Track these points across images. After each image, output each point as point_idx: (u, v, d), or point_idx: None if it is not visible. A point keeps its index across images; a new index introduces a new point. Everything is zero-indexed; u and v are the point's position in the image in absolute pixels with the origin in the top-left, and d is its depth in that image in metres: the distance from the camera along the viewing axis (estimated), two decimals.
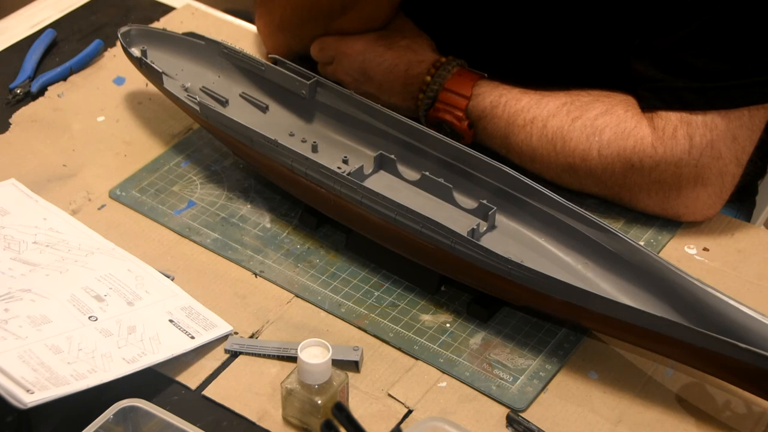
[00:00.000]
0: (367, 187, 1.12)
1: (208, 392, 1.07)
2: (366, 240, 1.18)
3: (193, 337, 1.10)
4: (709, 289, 1.04)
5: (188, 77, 1.29)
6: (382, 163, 1.21)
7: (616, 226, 1.23)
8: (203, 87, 1.28)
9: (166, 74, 1.26)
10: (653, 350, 1.07)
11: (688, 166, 1.18)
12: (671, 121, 1.18)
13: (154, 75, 1.27)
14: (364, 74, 1.33)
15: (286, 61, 1.26)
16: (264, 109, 1.27)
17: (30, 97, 1.40)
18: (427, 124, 1.29)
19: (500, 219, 1.16)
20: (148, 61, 1.26)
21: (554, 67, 1.32)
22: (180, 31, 1.32)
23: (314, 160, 1.14)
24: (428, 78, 1.29)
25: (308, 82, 1.23)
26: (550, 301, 1.06)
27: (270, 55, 1.30)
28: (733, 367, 1.00)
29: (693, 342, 1.00)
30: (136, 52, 1.28)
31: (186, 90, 1.28)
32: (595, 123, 1.21)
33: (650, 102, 1.20)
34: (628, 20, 1.23)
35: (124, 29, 1.30)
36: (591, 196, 1.26)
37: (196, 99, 1.23)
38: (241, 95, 1.28)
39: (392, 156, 1.19)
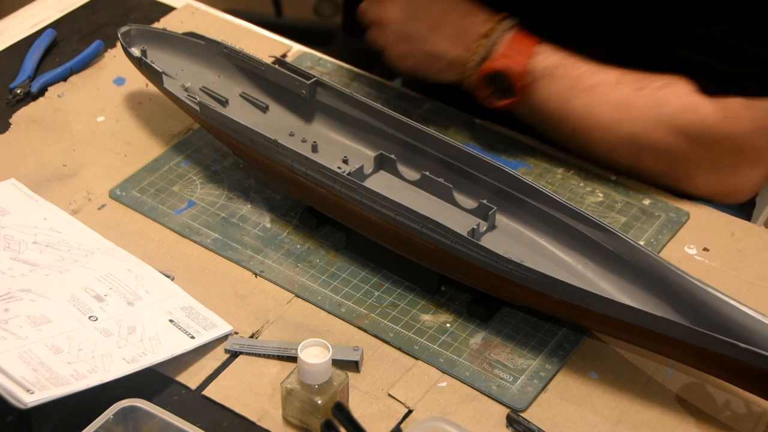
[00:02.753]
0: (367, 187, 1.12)
1: (208, 392, 1.07)
2: (366, 240, 1.18)
3: (193, 337, 1.10)
4: (710, 289, 1.04)
5: (188, 77, 1.29)
6: (382, 163, 1.21)
7: (615, 226, 1.23)
8: (203, 87, 1.28)
9: (165, 74, 1.26)
10: (654, 350, 1.07)
11: (749, 147, 1.20)
12: (735, 103, 1.19)
13: (153, 75, 1.27)
14: (415, 11, 1.29)
15: (287, 61, 1.26)
16: (264, 109, 1.27)
17: (30, 97, 1.40)
18: (470, 80, 1.26)
19: (500, 219, 1.16)
20: (147, 60, 1.26)
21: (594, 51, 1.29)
22: (180, 31, 1.32)
23: (314, 160, 1.14)
24: (488, 27, 1.25)
25: (308, 82, 1.23)
26: (550, 301, 1.06)
27: (270, 56, 1.30)
28: (733, 367, 1.00)
29: (693, 342, 1.00)
30: (136, 52, 1.28)
31: (186, 90, 1.28)
32: (659, 94, 1.21)
33: (710, 87, 1.20)
34: (670, 10, 1.23)
35: (124, 29, 1.30)
36: (592, 195, 1.26)
37: (196, 99, 1.23)
38: (241, 95, 1.28)
39: (392, 156, 1.20)
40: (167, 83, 1.26)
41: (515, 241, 1.14)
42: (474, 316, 1.14)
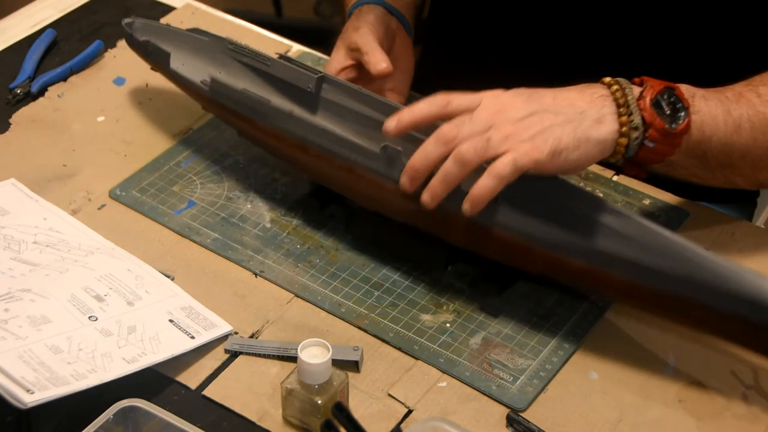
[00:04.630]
0: (390, 147, 1.10)
1: (208, 392, 1.07)
2: (371, 220, 1.16)
3: (193, 337, 1.10)
4: (731, 264, 1.03)
5: (190, 73, 1.29)
6: (388, 156, 1.20)
7: None
8: (203, 81, 1.28)
9: (172, 54, 1.25)
10: (675, 319, 1.06)
11: None
12: None
13: (160, 57, 1.26)
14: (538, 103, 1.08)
15: (292, 57, 1.26)
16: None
17: (30, 97, 1.40)
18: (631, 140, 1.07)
19: None
20: (154, 42, 1.25)
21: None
22: None
23: (329, 130, 1.13)
24: (614, 89, 1.07)
25: (315, 77, 1.22)
26: (569, 266, 1.05)
27: (276, 53, 1.30)
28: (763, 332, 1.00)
29: (722, 307, 1.00)
30: (142, 37, 1.27)
31: None
32: None
33: None
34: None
35: (127, 20, 1.30)
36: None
37: (206, 79, 1.23)
38: (243, 91, 1.28)
39: (399, 148, 1.18)
40: (174, 63, 1.25)
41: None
42: (482, 293, 1.13)
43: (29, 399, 0.98)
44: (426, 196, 1.07)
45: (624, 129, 1.05)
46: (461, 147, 1.04)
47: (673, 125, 1.06)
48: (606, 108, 1.05)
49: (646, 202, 1.27)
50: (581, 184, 1.29)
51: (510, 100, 1.06)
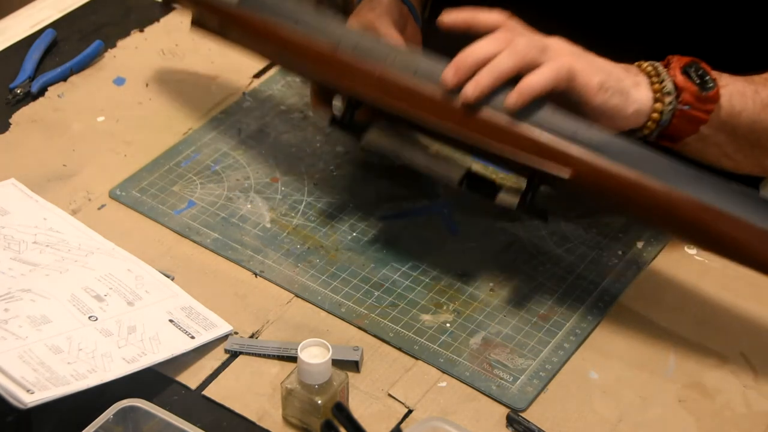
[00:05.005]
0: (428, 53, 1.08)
1: (208, 392, 1.07)
2: (389, 131, 1.14)
3: (193, 337, 1.10)
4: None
5: None
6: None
7: (615, 226, 1.24)
8: None
9: None
10: (709, 245, 1.07)
11: None
12: None
13: None
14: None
15: None
16: None
17: (30, 97, 1.40)
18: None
19: None
20: None
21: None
22: (180, 31, 1.32)
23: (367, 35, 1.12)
24: (646, 65, 1.10)
25: None
26: (608, 175, 1.03)
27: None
28: None
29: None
30: None
31: None
32: None
33: None
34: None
35: None
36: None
37: None
38: None
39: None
40: None
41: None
42: (535, 215, 1.11)
43: (29, 399, 0.98)
44: (470, 88, 1.05)
45: (657, 95, 1.07)
46: (518, 41, 1.05)
47: (704, 91, 1.09)
48: (640, 76, 1.08)
49: None
50: None
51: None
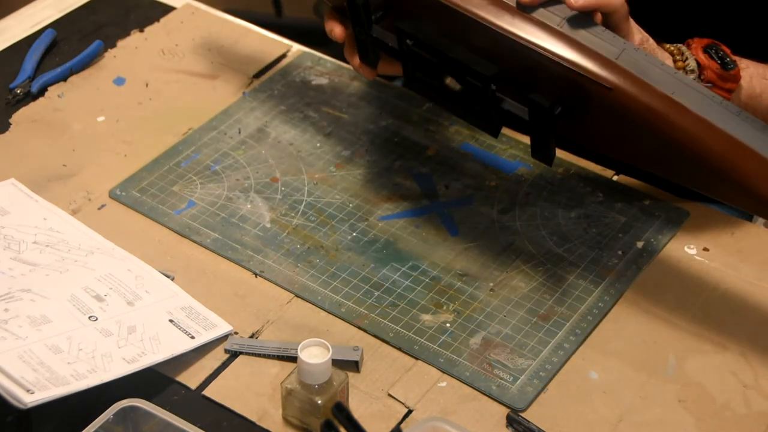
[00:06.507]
0: None
1: (208, 392, 1.07)
2: (428, 85, 1.12)
3: (193, 337, 1.10)
4: None
5: None
6: None
7: (615, 226, 1.24)
8: None
9: None
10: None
11: None
12: None
13: None
14: None
15: None
16: None
17: (30, 97, 1.40)
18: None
19: None
20: None
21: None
22: (180, 31, 1.32)
23: None
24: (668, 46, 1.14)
25: None
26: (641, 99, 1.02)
27: None
28: None
29: None
30: None
31: None
32: None
33: None
34: None
35: None
36: (592, 195, 1.26)
37: None
38: None
39: None
40: None
41: None
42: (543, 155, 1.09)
43: (29, 399, 0.98)
44: None
45: (681, 73, 1.08)
46: None
47: (726, 70, 1.13)
48: (665, 54, 1.12)
49: (647, 202, 1.27)
50: (581, 185, 1.29)
51: None
